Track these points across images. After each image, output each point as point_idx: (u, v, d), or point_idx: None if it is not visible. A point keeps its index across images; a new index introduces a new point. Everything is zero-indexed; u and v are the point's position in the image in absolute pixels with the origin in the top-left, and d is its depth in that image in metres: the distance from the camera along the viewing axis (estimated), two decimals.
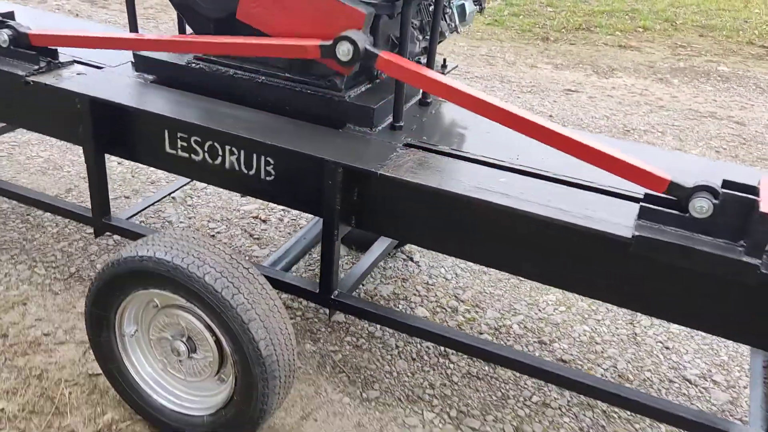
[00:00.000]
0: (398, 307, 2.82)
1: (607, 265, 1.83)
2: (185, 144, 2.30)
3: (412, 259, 3.11)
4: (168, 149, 2.34)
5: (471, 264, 3.06)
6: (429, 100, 2.43)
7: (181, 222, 3.26)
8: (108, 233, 2.69)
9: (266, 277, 2.21)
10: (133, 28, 2.50)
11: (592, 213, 1.77)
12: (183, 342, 2.03)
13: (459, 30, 2.50)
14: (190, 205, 3.41)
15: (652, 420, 2.32)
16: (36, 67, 2.40)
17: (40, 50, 2.44)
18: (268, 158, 2.17)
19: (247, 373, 1.91)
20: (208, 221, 3.30)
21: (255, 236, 3.21)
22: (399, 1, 2.05)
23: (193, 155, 2.30)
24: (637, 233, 1.64)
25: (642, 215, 1.69)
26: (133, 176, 3.68)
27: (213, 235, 3.18)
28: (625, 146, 2.28)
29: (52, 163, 3.72)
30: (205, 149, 2.27)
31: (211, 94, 2.33)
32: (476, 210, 1.88)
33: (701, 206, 1.59)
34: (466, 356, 2.57)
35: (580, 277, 1.89)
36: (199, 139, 2.25)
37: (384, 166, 1.95)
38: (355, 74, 2.22)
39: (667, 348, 2.72)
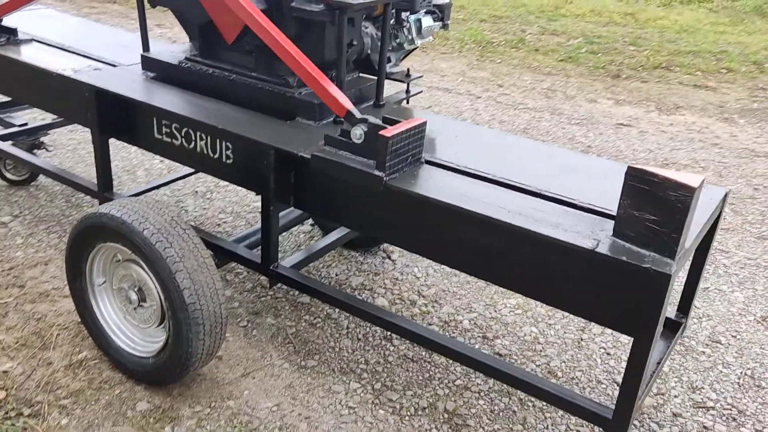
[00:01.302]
0: (361, 296, 3.07)
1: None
2: (168, 130, 2.69)
3: (389, 257, 3.37)
4: (156, 135, 2.74)
5: (444, 267, 3.27)
6: (382, 103, 2.71)
7: (195, 211, 3.68)
8: None
9: (218, 246, 2.57)
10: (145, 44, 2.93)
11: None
12: (135, 292, 2.40)
13: (416, 42, 2.76)
14: (208, 198, 3.84)
15: (564, 412, 2.44)
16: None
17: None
18: (227, 143, 2.52)
19: (175, 319, 2.24)
20: (219, 213, 3.71)
21: None
22: (337, 11, 2.37)
23: (173, 140, 2.69)
24: (314, 154, 2.14)
25: (327, 142, 2.19)
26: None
27: (219, 224, 3.58)
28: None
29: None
30: (182, 135, 2.65)
31: (197, 90, 2.73)
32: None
33: (356, 133, 2.11)
34: (407, 341, 2.78)
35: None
36: (177, 126, 2.64)
37: (306, 150, 2.25)
38: None
39: (608, 354, 2.81)
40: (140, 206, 2.31)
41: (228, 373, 2.59)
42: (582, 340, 2.89)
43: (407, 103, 3.00)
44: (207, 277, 2.27)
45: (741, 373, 2.77)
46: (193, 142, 2.63)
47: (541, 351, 2.81)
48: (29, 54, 3.01)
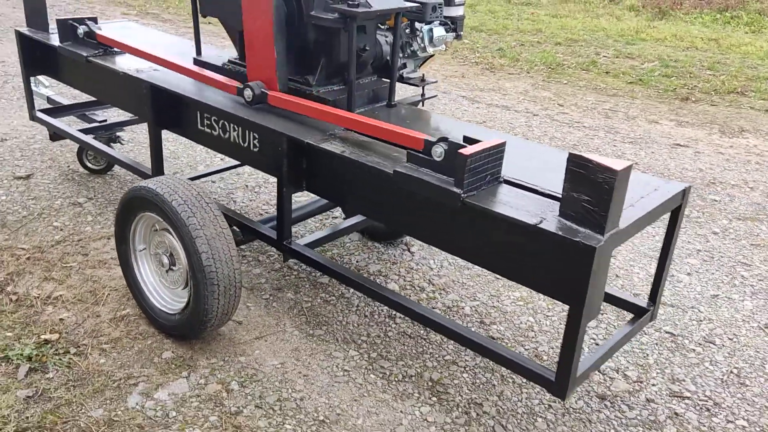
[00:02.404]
0: (376, 281, 3.37)
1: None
2: (209, 122, 3.11)
3: (409, 250, 3.65)
4: (199, 126, 3.16)
5: (459, 260, 3.52)
6: (394, 103, 3.02)
7: (242, 202, 4.10)
8: None
9: (242, 223, 2.95)
10: (198, 50, 3.37)
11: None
12: (167, 257, 2.80)
13: (428, 50, 3.06)
14: (256, 192, 4.26)
15: (541, 388, 2.65)
16: (95, 51, 3.52)
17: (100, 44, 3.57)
18: (255, 133, 2.90)
19: (194, 279, 2.62)
20: (264, 204, 4.11)
21: None
22: (348, 18, 2.71)
23: (212, 131, 3.10)
24: (396, 169, 2.25)
25: (409, 159, 2.31)
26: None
27: (261, 214, 3.97)
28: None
29: (173, 153, 4.79)
30: (219, 126, 3.06)
31: None
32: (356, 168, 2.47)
33: (437, 151, 2.20)
34: (409, 320, 3.06)
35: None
36: (216, 119, 3.05)
37: (314, 139, 2.59)
38: (328, 75, 2.92)
39: (597, 344, 2.98)
40: (173, 182, 2.71)
41: (245, 335, 2.94)
42: None
43: (422, 105, 3.29)
44: (223, 245, 2.64)
45: (727, 371, 2.88)
46: (227, 133, 3.03)
47: (533, 338, 3.02)
48: (119, 62, 3.50)
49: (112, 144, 4.29)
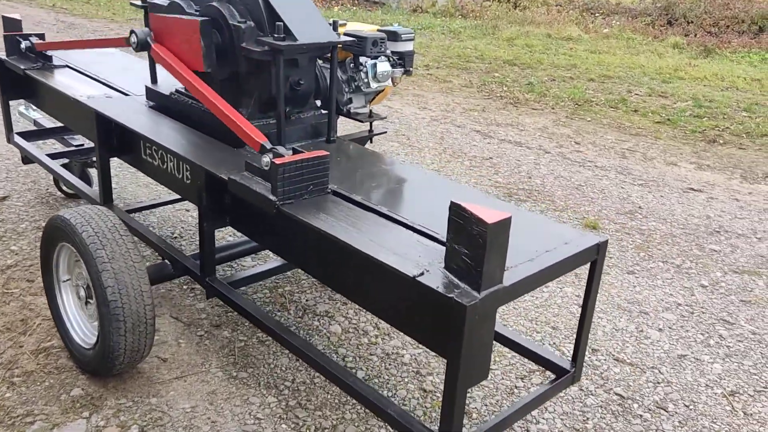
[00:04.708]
0: (318, 323, 3.22)
1: None
2: (150, 152, 3.04)
3: None
4: (143, 155, 3.10)
5: None
6: (333, 139, 2.90)
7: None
8: None
9: (171, 256, 2.85)
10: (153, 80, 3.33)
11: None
12: (83, 288, 2.72)
13: (372, 86, 2.93)
14: None
15: None
16: (34, 65, 3.54)
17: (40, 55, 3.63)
18: (186, 165, 2.82)
19: (99, 313, 2.52)
20: (231, 235, 4.01)
21: None
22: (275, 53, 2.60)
23: (154, 161, 3.03)
24: (230, 177, 2.34)
25: (247, 168, 2.38)
26: None
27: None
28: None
29: None
30: (158, 157, 2.98)
31: (181, 118, 3.06)
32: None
33: (264, 161, 2.28)
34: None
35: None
36: (156, 149, 2.98)
37: (232, 173, 2.48)
38: (263, 108, 2.82)
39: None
40: (89, 213, 2.63)
41: (165, 374, 2.82)
42: (516, 387, 2.85)
43: (371, 142, 3.16)
44: (133, 279, 2.53)
45: None
46: (165, 164, 2.95)
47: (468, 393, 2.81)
48: (57, 79, 3.50)
49: (87, 169, 4.28)
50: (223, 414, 2.61)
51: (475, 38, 12.60)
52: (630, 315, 3.49)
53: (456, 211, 1.80)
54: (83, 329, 2.83)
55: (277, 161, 2.21)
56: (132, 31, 2.95)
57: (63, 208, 4.27)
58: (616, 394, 2.85)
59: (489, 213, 1.74)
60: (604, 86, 9.23)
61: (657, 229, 4.70)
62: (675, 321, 3.45)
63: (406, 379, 2.87)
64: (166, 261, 2.97)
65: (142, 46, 2.94)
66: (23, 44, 3.72)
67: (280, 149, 2.35)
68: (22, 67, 3.59)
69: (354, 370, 2.91)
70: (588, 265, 2.16)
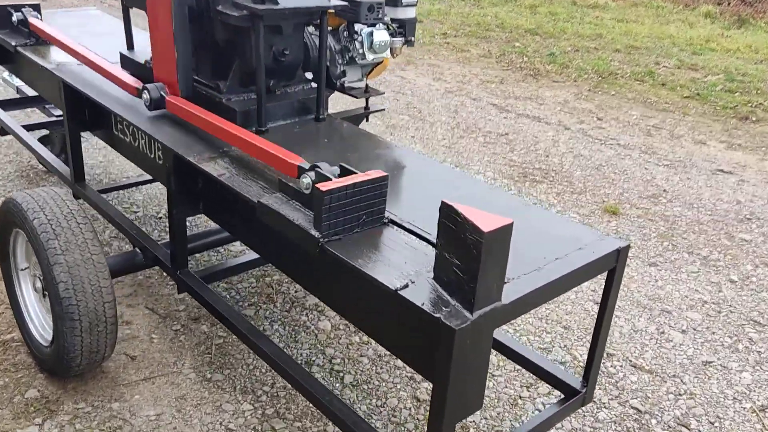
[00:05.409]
0: (308, 316, 2.93)
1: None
2: (121, 127, 2.74)
3: None
4: (114, 131, 2.80)
5: None
6: (322, 117, 2.57)
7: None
8: None
9: (142, 244, 2.57)
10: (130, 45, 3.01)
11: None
12: (40, 280, 2.45)
13: (368, 57, 2.59)
14: None
15: None
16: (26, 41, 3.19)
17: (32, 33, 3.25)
18: (158, 144, 2.51)
19: (53, 311, 2.25)
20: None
21: None
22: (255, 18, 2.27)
23: (125, 137, 2.73)
24: (260, 201, 1.81)
25: (280, 188, 1.86)
26: None
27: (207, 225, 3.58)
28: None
29: None
30: (130, 133, 2.68)
31: None
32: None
33: (304, 182, 1.76)
34: (327, 371, 2.61)
35: None
36: (127, 124, 2.67)
37: (203, 156, 2.17)
38: (244, 81, 2.49)
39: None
40: (43, 196, 2.34)
41: (132, 374, 2.56)
42: (520, 398, 2.55)
43: (366, 120, 2.83)
44: (91, 274, 2.25)
45: None
46: (137, 141, 2.65)
47: None
48: (47, 54, 3.18)
49: None
50: (191, 423, 2.35)
51: (497, 5, 12.09)
52: (650, 314, 3.17)
53: (447, 213, 1.48)
54: (42, 324, 2.57)
55: (322, 187, 1.64)
56: None
57: (42, 181, 4.01)
58: (632, 407, 2.54)
59: (486, 218, 1.42)
60: (631, 57, 8.76)
61: (682, 216, 4.34)
62: (700, 321, 3.12)
63: (398, 386, 2.59)
64: (137, 249, 2.69)
65: None
66: (15, 16, 3.34)
67: (323, 166, 1.80)
68: (14, 43, 3.25)
69: (341, 374, 2.63)
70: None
